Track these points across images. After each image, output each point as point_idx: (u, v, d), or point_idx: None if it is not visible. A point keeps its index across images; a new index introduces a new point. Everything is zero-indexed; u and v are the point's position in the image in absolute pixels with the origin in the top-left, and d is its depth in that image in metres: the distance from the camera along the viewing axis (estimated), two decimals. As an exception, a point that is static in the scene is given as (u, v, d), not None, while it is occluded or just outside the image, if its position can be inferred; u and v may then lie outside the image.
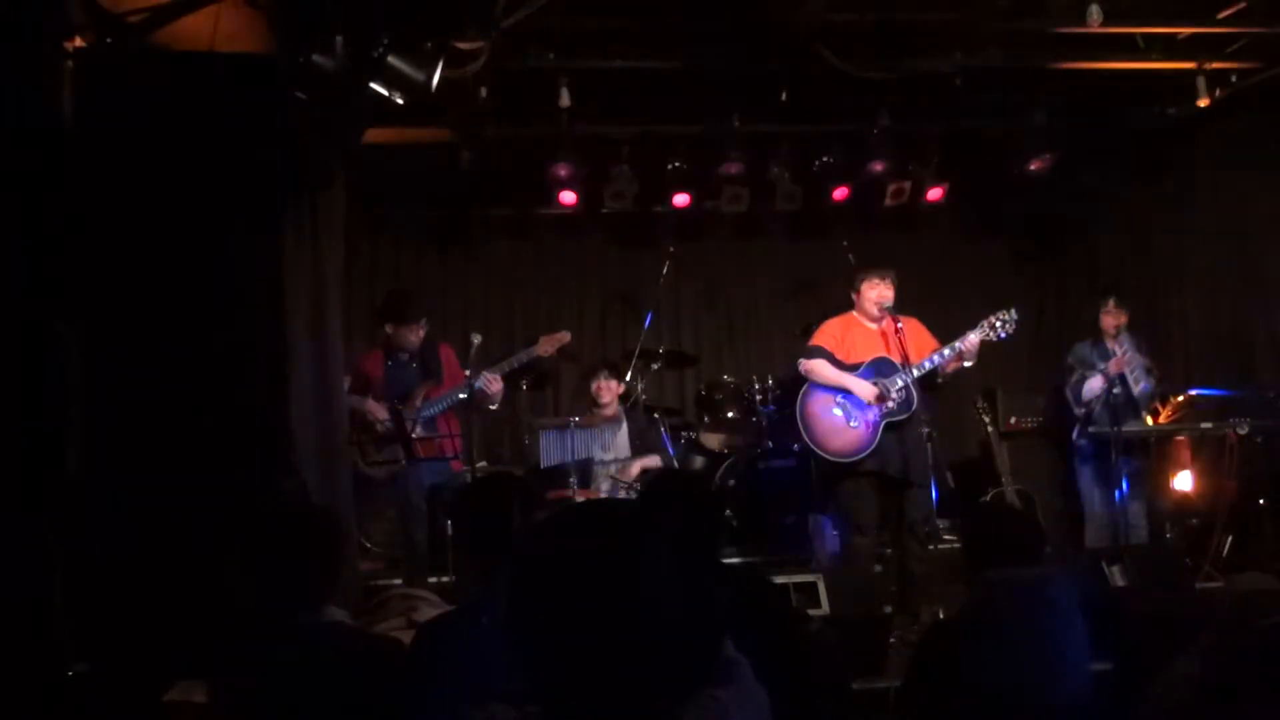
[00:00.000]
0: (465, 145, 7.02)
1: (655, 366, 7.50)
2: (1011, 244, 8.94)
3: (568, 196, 7.45)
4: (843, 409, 5.63)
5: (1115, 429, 6.30)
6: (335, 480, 5.01)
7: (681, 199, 7.70)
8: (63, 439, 3.90)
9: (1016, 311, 5.68)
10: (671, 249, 7.82)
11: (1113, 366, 6.50)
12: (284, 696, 2.46)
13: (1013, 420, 7.61)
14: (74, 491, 3.89)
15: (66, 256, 3.98)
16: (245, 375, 4.25)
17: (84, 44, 4.18)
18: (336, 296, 5.13)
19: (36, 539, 3.67)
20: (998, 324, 5.62)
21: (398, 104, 4.57)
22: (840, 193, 7.73)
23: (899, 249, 7.50)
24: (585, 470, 6.63)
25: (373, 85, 4.47)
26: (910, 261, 6.70)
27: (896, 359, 5.56)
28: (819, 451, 5.74)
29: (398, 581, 5.73)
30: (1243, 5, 5.72)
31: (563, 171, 7.20)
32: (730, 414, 7.39)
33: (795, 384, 6.15)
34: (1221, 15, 5.85)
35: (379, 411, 5.91)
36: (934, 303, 7.29)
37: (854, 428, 5.59)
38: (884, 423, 5.54)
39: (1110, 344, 6.65)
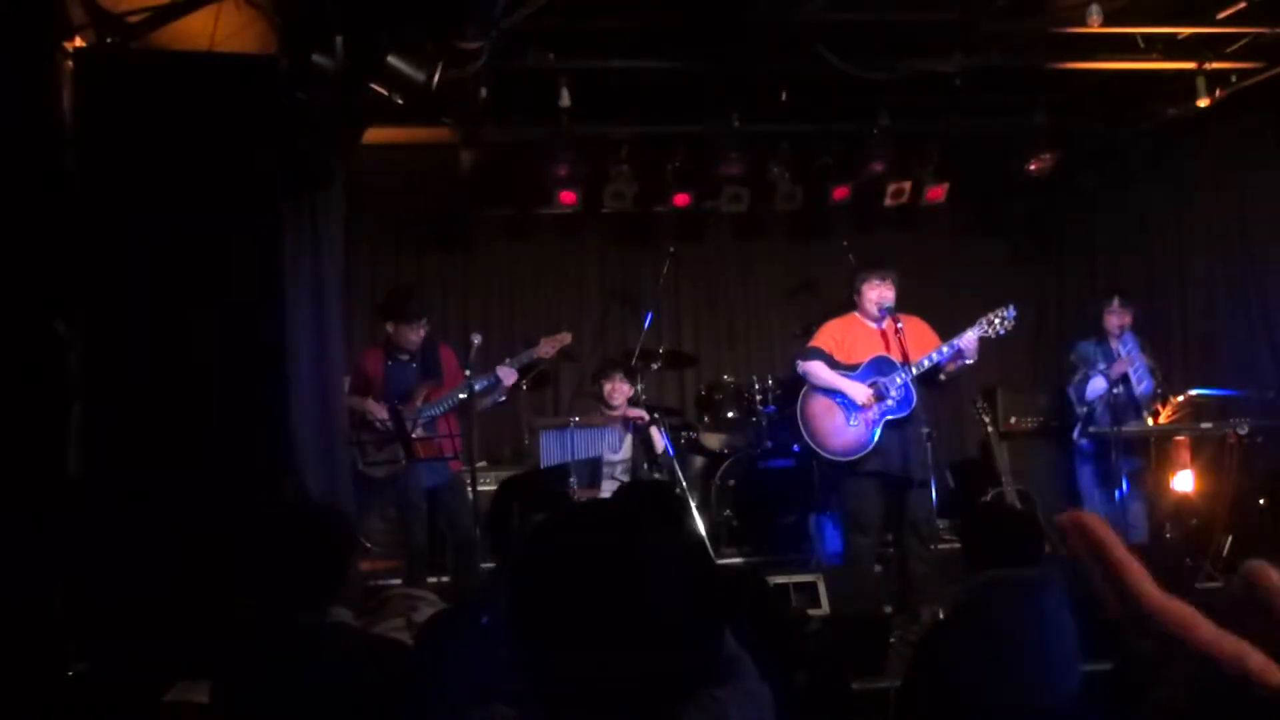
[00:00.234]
0: (465, 145, 7.02)
1: (655, 366, 7.50)
2: (1011, 244, 8.94)
3: (568, 196, 7.45)
4: (842, 409, 5.64)
5: (1115, 429, 6.30)
6: (335, 480, 5.01)
7: (681, 199, 7.70)
8: (63, 439, 3.90)
9: (1014, 309, 5.67)
10: (671, 249, 7.82)
11: (1115, 369, 6.50)
12: (285, 697, 2.46)
13: (1013, 420, 7.62)
14: (74, 491, 3.89)
15: (66, 256, 3.98)
16: (245, 375, 4.25)
17: (84, 44, 4.18)
18: (336, 296, 5.14)
19: (36, 539, 3.67)
20: (996, 321, 5.62)
21: (398, 104, 4.57)
22: (840, 193, 7.73)
23: (899, 249, 7.49)
24: (585, 470, 6.63)
25: (373, 85, 4.47)
26: (910, 261, 6.70)
27: (897, 359, 5.57)
28: (820, 451, 5.74)
29: (397, 581, 5.73)
30: (1243, 5, 5.72)
31: (563, 171, 7.20)
32: (730, 414, 7.40)
33: (795, 384, 6.16)
34: (1221, 15, 5.85)
35: (379, 411, 5.91)
36: (934, 303, 7.28)
37: (853, 427, 5.60)
38: (884, 421, 5.54)
39: (1114, 344, 6.65)
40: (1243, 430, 6.07)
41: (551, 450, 6.29)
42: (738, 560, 6.85)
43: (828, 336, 5.82)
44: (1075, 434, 6.73)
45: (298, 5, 4.54)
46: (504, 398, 6.29)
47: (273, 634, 2.58)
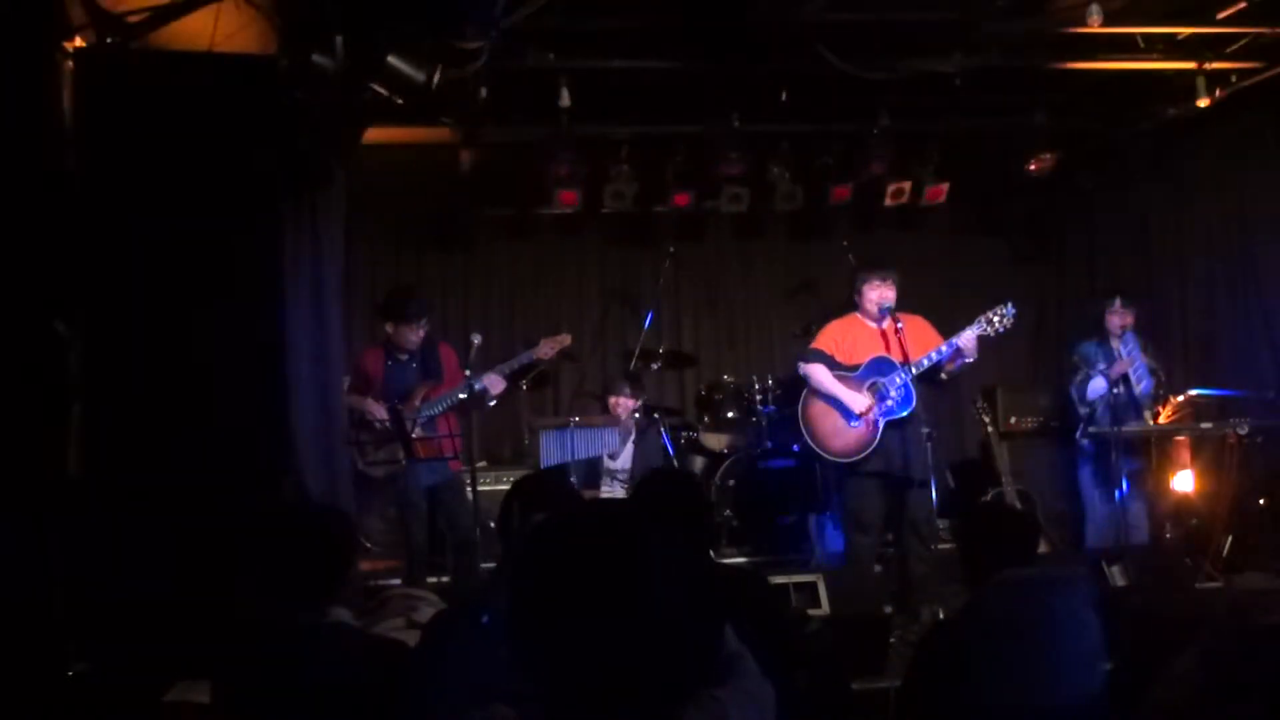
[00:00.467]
0: (465, 145, 7.02)
1: (655, 366, 7.50)
2: (1011, 244, 8.94)
3: (568, 196, 7.45)
4: (842, 411, 5.64)
5: (1115, 429, 6.30)
6: (335, 480, 5.01)
7: (681, 199, 7.69)
8: (63, 439, 3.90)
9: (1013, 307, 5.67)
10: (671, 249, 7.82)
11: (1115, 369, 6.50)
12: (285, 697, 2.46)
13: (1013, 420, 7.62)
14: (74, 491, 3.89)
15: (66, 256, 3.98)
16: (245, 375, 4.25)
17: (84, 44, 4.18)
18: (336, 296, 5.14)
19: (36, 539, 3.67)
20: (995, 319, 5.62)
21: (398, 104, 4.57)
22: (840, 193, 7.72)
23: (899, 249, 7.49)
24: (585, 471, 6.63)
25: (373, 85, 4.47)
26: (910, 261, 6.70)
27: (897, 359, 5.57)
28: (821, 452, 5.75)
29: (397, 581, 5.73)
30: (1243, 5, 5.72)
31: (563, 171, 7.20)
32: (730, 414, 7.40)
33: (795, 384, 6.16)
34: (1221, 15, 5.85)
35: (378, 411, 5.91)
36: (934, 303, 7.27)
37: (855, 427, 5.60)
38: (885, 422, 5.55)
39: (1115, 344, 6.65)
40: (1243, 430, 6.07)
41: (551, 450, 6.29)
42: (740, 560, 6.85)
43: (828, 337, 5.81)
44: (1078, 434, 6.73)
45: (298, 5, 4.54)
46: (494, 403, 6.26)
47: (272, 634, 2.58)
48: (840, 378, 5.71)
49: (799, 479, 7.01)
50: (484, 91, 6.23)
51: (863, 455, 5.58)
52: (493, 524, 3.58)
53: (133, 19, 4.29)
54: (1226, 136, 7.08)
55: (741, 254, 8.62)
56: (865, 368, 5.67)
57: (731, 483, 7.12)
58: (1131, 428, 6.43)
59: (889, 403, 5.53)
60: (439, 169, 7.36)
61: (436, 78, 4.66)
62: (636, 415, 6.85)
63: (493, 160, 7.29)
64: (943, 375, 5.69)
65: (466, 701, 1.48)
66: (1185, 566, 5.58)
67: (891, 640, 4.83)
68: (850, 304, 5.93)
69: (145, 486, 4.00)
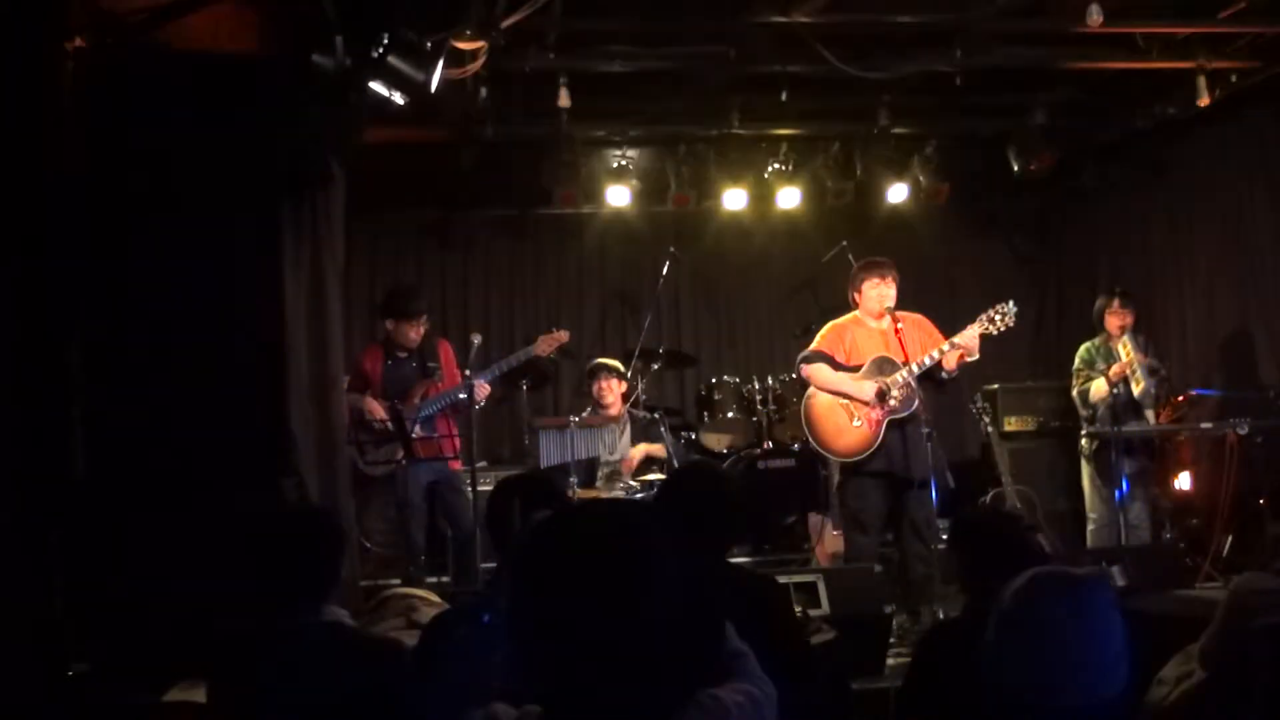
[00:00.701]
0: (465, 145, 7.02)
1: (655, 366, 7.50)
2: (1011, 244, 8.94)
3: (568, 197, 7.45)
4: (847, 409, 5.63)
5: (1115, 429, 6.30)
6: (335, 480, 5.01)
7: (681, 199, 7.69)
8: (63, 439, 3.90)
9: (1015, 305, 5.66)
10: (671, 249, 7.83)
11: (1114, 372, 6.50)
12: (283, 697, 2.46)
13: (1013, 420, 7.61)
14: (74, 491, 3.89)
15: (66, 257, 3.98)
16: (245, 374, 4.25)
17: (84, 44, 4.18)
18: (336, 295, 5.13)
19: (36, 539, 3.67)
20: (996, 317, 5.61)
21: (398, 104, 4.57)
22: (840, 193, 7.72)
23: (899, 249, 7.49)
24: (586, 470, 6.63)
25: (373, 85, 4.47)
26: (910, 261, 6.70)
27: (898, 358, 5.56)
28: (825, 452, 5.74)
29: (397, 581, 5.73)
30: (1243, 5, 5.72)
31: (563, 171, 7.20)
32: (730, 414, 7.40)
33: (795, 384, 6.15)
34: (1222, 15, 5.85)
35: (378, 410, 5.91)
36: (934, 302, 7.28)
37: (858, 427, 5.59)
38: (886, 421, 5.54)
39: (1115, 344, 6.64)
40: (1243, 430, 6.06)
41: (551, 450, 6.29)
42: (740, 560, 6.85)
43: (829, 338, 5.80)
44: (1083, 435, 6.75)
45: (298, 5, 4.54)
46: (480, 404, 6.25)
47: (267, 634, 2.58)
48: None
49: (799, 479, 7.01)
50: (484, 91, 6.23)
51: (866, 454, 5.57)
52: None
53: (133, 19, 4.29)
54: (1226, 136, 7.08)
55: (741, 254, 8.61)
56: (867, 368, 5.66)
57: (731, 483, 7.11)
58: (1131, 428, 6.43)
59: (891, 402, 5.53)
60: (439, 169, 7.36)
61: (436, 78, 4.66)
62: (630, 410, 6.85)
63: (493, 160, 7.29)
64: (943, 374, 5.68)
65: (466, 701, 1.48)
66: (1185, 566, 5.57)
67: (891, 640, 4.83)
68: (849, 304, 5.92)
69: (145, 486, 4.00)
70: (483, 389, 6.06)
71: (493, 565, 4.33)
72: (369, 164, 5.61)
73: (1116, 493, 6.31)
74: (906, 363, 5.51)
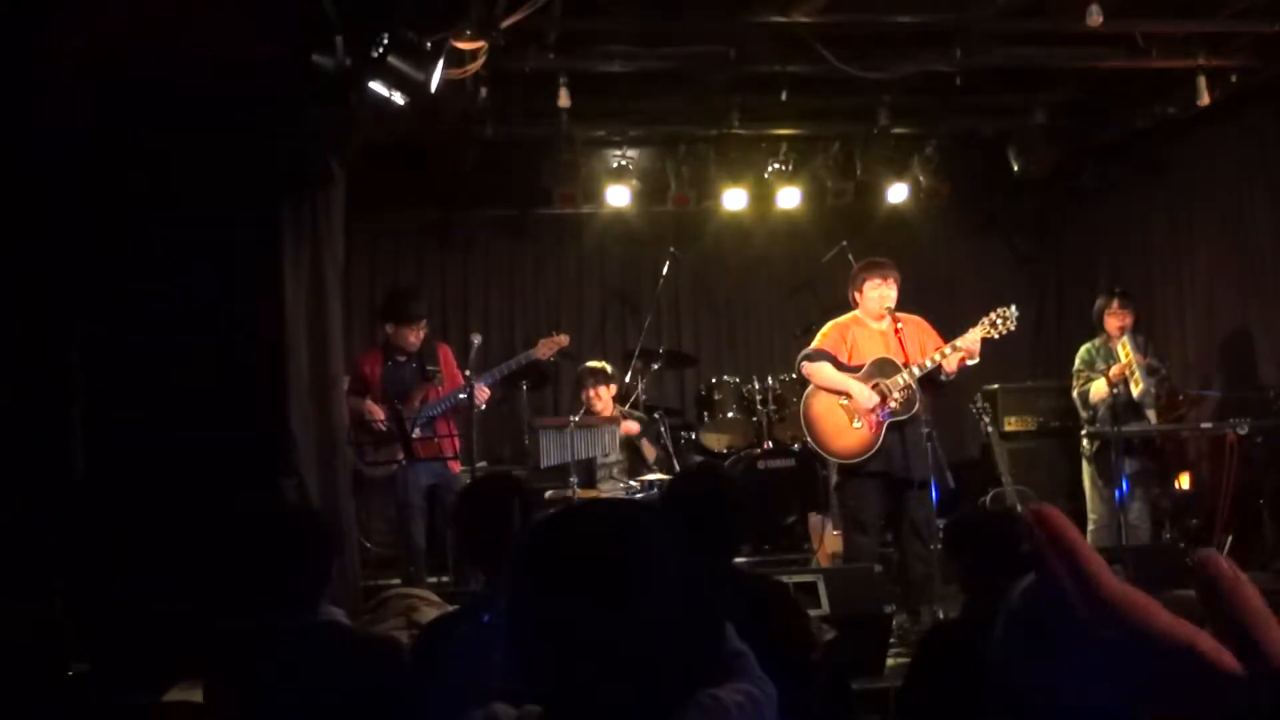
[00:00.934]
0: (465, 145, 7.02)
1: (655, 366, 7.50)
2: (1011, 244, 8.94)
3: (568, 196, 7.45)
4: (846, 410, 5.63)
5: (1115, 429, 6.30)
6: (335, 480, 5.01)
7: (681, 199, 7.70)
8: (63, 439, 3.90)
9: (1016, 308, 5.66)
10: (671, 249, 7.83)
11: (1114, 373, 6.50)
12: (282, 697, 2.46)
13: (1013, 420, 7.61)
14: (74, 491, 3.89)
15: (66, 257, 3.98)
16: (245, 374, 4.25)
17: (84, 44, 4.18)
18: (336, 295, 5.13)
19: (36, 539, 3.67)
20: (998, 321, 5.61)
21: (398, 104, 4.57)
22: (840, 193, 7.72)
23: (899, 249, 7.49)
24: (586, 470, 6.62)
25: (373, 85, 4.47)
26: (910, 261, 6.70)
27: (899, 359, 5.56)
28: (824, 453, 5.74)
29: (397, 581, 5.73)
30: (1243, 5, 5.72)
31: (563, 171, 7.20)
32: (730, 414, 7.40)
33: (795, 384, 6.14)
34: (1222, 15, 5.85)
35: (378, 412, 5.91)
36: (934, 302, 7.28)
37: (857, 428, 5.59)
38: (887, 423, 5.53)
39: (1115, 345, 6.64)
40: (1243, 430, 6.07)
41: (551, 450, 6.29)
42: (740, 560, 6.84)
43: (832, 337, 5.79)
44: (1083, 435, 6.75)
45: (298, 5, 4.54)
46: (483, 406, 6.24)
47: (265, 633, 2.57)
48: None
49: (799, 479, 7.01)
50: (484, 91, 6.23)
51: (866, 456, 5.56)
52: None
53: (133, 19, 4.29)
54: (1226, 136, 7.08)
55: (741, 254, 8.62)
56: (868, 369, 5.65)
57: (731, 483, 7.10)
58: (1132, 428, 6.43)
59: (892, 404, 5.52)
60: (439, 169, 7.36)
61: (436, 78, 4.66)
62: (623, 410, 6.84)
63: (493, 160, 7.29)
64: (944, 377, 5.68)
65: (466, 701, 1.48)
66: (1185, 566, 5.57)
67: (891, 640, 4.83)
68: (849, 304, 5.91)
69: (145, 486, 4.00)
70: (483, 393, 6.06)
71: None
72: (369, 164, 5.62)
73: (1116, 493, 6.31)
74: (907, 364, 5.51)
